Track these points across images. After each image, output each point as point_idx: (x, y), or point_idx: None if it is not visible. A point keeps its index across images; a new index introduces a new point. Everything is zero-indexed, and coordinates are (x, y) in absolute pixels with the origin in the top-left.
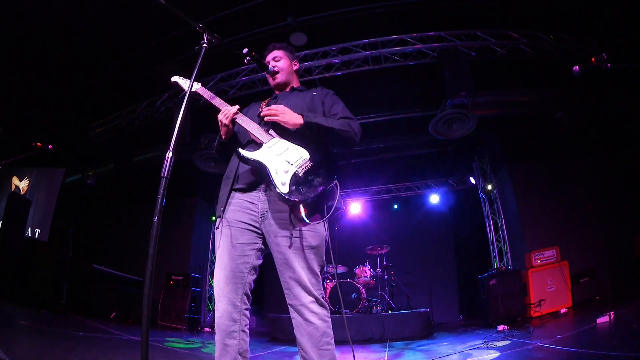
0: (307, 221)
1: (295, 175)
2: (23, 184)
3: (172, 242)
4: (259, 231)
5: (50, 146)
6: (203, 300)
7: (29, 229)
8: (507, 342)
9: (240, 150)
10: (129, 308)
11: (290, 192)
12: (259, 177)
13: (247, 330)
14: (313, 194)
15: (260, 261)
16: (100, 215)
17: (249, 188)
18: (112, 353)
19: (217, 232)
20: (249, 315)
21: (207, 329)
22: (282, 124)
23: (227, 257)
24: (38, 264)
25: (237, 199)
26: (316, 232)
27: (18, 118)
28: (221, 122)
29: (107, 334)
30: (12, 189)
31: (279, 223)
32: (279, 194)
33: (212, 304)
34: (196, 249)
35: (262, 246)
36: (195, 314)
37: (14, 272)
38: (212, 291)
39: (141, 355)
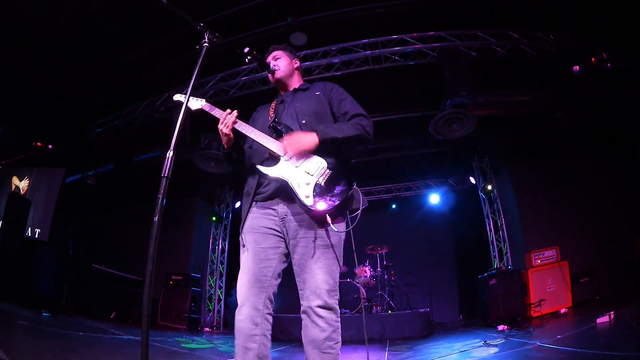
0: (335, 229)
1: (317, 185)
2: (23, 184)
3: (172, 242)
4: (281, 235)
5: (50, 146)
6: (203, 300)
7: (29, 229)
8: (507, 342)
9: (259, 166)
10: (129, 308)
11: (315, 204)
12: (278, 189)
13: (269, 336)
14: (337, 201)
15: (285, 265)
16: (100, 215)
17: (268, 198)
18: (112, 353)
19: (241, 242)
20: (271, 320)
21: (207, 329)
22: (305, 151)
23: (251, 261)
24: (38, 264)
25: (257, 207)
26: (335, 232)
27: (18, 118)
28: (222, 132)
29: (107, 334)
30: (12, 189)
31: (299, 225)
32: (305, 206)
33: (212, 304)
34: (196, 249)
35: (286, 250)
36: (195, 314)
37: (14, 272)
38: (212, 291)
39: (141, 355)
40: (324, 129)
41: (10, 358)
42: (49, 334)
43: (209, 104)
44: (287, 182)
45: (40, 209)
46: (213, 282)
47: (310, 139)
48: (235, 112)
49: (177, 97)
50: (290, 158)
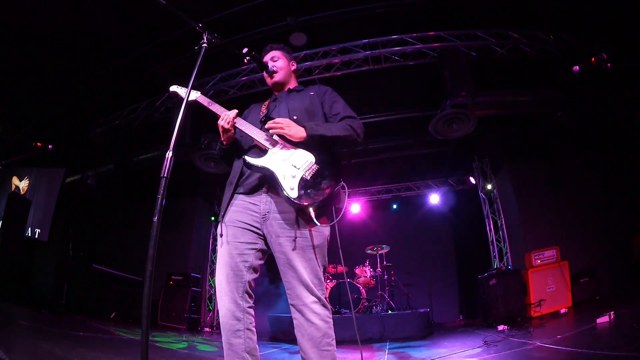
0: (318, 224)
1: (303, 179)
2: (23, 184)
3: (172, 242)
4: (260, 232)
5: (50, 146)
6: (203, 300)
7: (29, 229)
8: (507, 342)
9: (247, 157)
10: (129, 308)
11: (299, 197)
12: (262, 180)
13: (253, 329)
14: (322, 196)
15: (261, 262)
16: (100, 215)
17: (252, 191)
18: (112, 353)
19: (219, 235)
20: (253, 313)
21: (207, 329)
22: (288, 137)
23: (227, 255)
24: (38, 264)
25: (239, 200)
26: (319, 232)
27: (18, 118)
28: (222, 128)
29: (107, 334)
30: (12, 189)
31: (282, 224)
32: (289, 198)
33: (212, 304)
34: (196, 249)
35: (264, 247)
36: (195, 314)
37: (14, 272)
38: (212, 291)
39: (141, 355)
40: (312, 126)
41: (10, 358)
42: (49, 334)
43: (204, 97)
44: (272, 173)
45: (40, 209)
46: (213, 282)
47: (300, 130)
48: (235, 111)
49: (174, 88)
50: (281, 148)
